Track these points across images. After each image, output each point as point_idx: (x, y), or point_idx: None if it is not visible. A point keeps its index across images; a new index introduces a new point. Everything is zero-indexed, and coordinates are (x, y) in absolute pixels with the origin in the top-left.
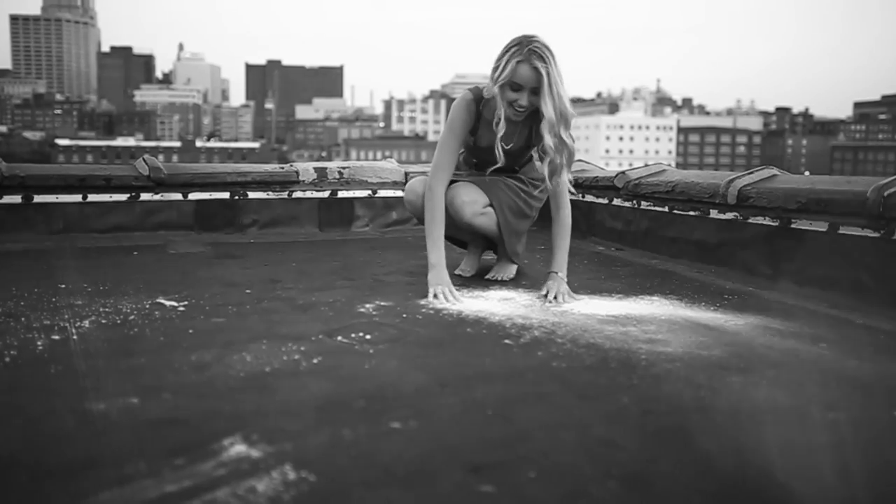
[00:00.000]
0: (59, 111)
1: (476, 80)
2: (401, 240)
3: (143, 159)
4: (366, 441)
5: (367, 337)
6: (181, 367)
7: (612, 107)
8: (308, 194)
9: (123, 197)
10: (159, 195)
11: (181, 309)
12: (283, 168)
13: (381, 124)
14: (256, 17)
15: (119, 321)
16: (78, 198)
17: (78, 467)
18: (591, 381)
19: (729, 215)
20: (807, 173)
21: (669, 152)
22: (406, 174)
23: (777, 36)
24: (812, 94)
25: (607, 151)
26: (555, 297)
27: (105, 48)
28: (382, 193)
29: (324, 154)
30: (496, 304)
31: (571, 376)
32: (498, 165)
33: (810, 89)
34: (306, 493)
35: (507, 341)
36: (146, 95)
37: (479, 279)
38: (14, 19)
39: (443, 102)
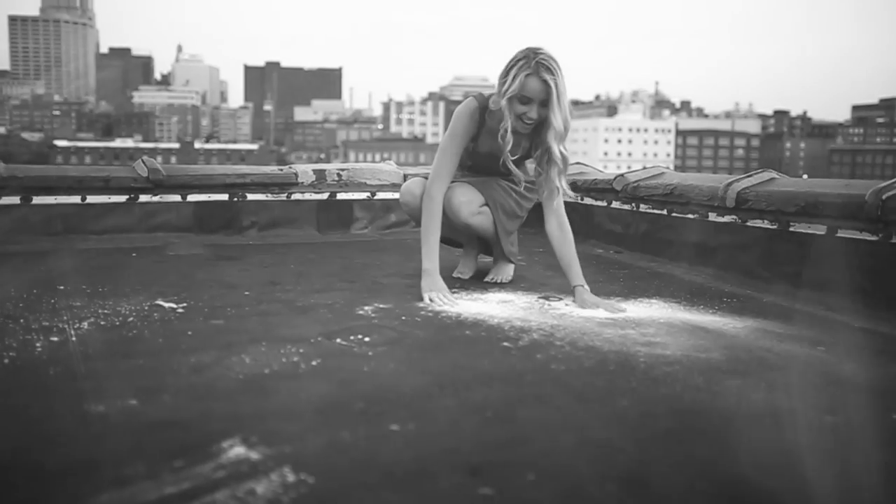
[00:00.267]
0: (57, 112)
1: (474, 83)
2: (400, 242)
3: (142, 161)
4: (365, 443)
5: (366, 339)
6: (180, 369)
7: (611, 109)
8: (307, 196)
9: (122, 198)
10: (158, 197)
11: (180, 311)
12: (281, 170)
13: (380, 126)
14: (255, 19)
15: (118, 323)
16: (77, 199)
17: (77, 469)
18: (590, 383)
19: (727, 218)
20: (805, 176)
21: (668, 155)
22: (404, 176)
23: (775, 39)
24: (810, 97)
25: (606, 154)
26: (593, 306)
27: (104, 49)
28: (381, 196)
29: (322, 156)
30: (495, 307)
31: (570, 379)
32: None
33: (808, 92)
34: (305, 496)
35: (505, 344)
36: (145, 97)
37: (478, 281)
38: (12, 20)
39: (441, 104)
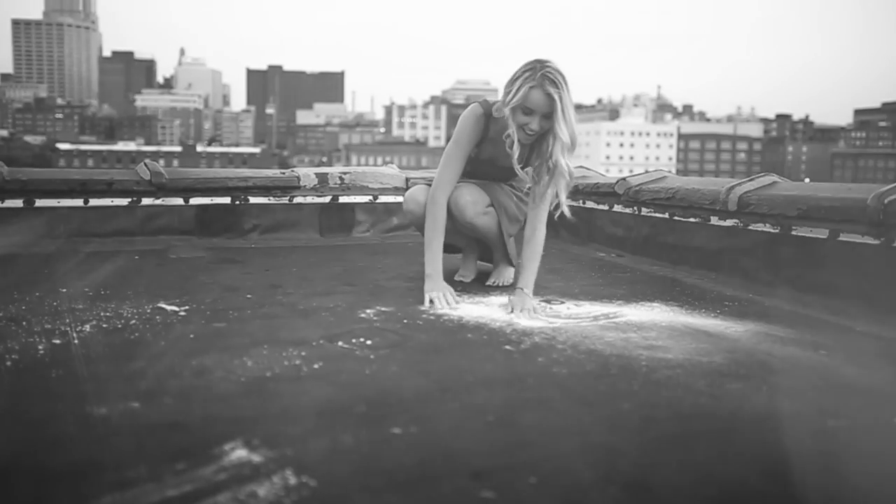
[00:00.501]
0: (60, 115)
1: (476, 87)
2: (402, 245)
3: (145, 164)
4: (366, 446)
5: (368, 342)
6: (182, 372)
7: (613, 113)
8: (309, 200)
9: (125, 201)
10: (160, 200)
11: (182, 314)
12: (284, 173)
13: (382, 130)
14: (258, 23)
15: (120, 326)
16: (79, 202)
17: (79, 471)
18: (592, 387)
19: (729, 222)
20: (807, 180)
21: (670, 159)
22: (407, 180)
23: (778, 43)
24: (812, 101)
25: (608, 158)
26: (520, 312)
27: (106, 53)
28: (383, 199)
29: (324, 159)
30: (497, 310)
31: (572, 382)
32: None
33: (811, 96)
34: (307, 499)
35: (507, 347)
36: (147, 100)
37: (480, 285)
38: (16, 23)
39: (443, 108)
